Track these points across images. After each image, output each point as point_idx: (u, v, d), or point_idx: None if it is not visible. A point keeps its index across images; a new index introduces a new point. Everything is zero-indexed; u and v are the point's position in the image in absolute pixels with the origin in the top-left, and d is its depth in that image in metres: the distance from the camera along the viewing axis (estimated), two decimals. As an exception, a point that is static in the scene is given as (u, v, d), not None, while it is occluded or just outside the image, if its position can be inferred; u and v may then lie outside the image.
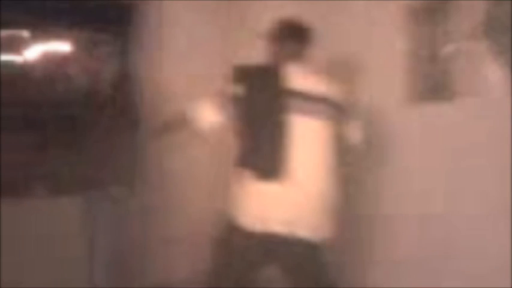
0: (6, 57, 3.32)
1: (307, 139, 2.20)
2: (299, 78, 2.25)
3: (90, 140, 3.17)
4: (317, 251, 2.25)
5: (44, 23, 3.42)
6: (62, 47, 3.57)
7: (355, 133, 2.39)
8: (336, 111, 2.28)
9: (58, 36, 3.53)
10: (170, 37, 3.71)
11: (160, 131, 2.73)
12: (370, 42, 2.94)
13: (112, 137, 3.11)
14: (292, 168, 2.15)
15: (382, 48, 2.89)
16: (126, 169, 3.13)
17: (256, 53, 2.48)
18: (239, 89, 2.21)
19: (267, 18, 2.49)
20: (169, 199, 3.62)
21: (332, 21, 3.07)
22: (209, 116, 2.30)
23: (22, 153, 3.23)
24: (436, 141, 2.67)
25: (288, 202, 2.17)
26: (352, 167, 2.59)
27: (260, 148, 2.17)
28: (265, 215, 2.16)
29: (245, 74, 2.26)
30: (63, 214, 3.20)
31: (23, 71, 3.37)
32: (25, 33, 3.40)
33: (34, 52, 3.44)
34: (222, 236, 2.29)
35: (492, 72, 2.45)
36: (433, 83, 2.68)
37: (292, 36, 2.40)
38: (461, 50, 2.58)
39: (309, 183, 2.19)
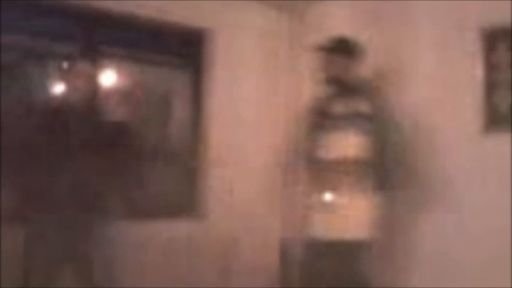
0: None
1: None
2: None
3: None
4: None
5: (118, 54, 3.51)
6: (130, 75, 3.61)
7: None
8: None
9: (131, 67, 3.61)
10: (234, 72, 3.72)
11: None
12: (443, 68, 2.88)
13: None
14: None
15: (455, 73, 2.81)
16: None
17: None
18: None
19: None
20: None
21: (403, 46, 3.09)
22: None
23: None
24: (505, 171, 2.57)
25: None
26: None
27: None
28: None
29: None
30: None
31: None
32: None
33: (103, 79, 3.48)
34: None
35: None
36: (507, 112, 2.56)
37: (342, 51, 2.65)
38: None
39: None
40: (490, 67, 2.63)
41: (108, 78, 3.48)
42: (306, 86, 3.74)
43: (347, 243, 2.43)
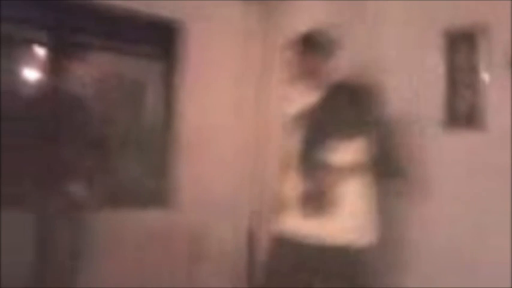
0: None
1: None
2: None
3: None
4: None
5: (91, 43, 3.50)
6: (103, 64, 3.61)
7: None
8: None
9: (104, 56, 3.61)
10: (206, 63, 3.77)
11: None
12: (410, 67, 2.98)
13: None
14: None
15: (418, 72, 2.92)
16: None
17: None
18: None
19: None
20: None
21: (367, 43, 3.15)
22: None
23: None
24: (463, 167, 2.71)
25: None
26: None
27: None
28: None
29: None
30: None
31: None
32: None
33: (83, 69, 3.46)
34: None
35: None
36: (466, 110, 2.71)
37: (315, 49, 2.45)
38: (494, 78, 2.62)
39: None
40: (453, 67, 2.77)
41: (80, 66, 3.46)
42: (278, 79, 3.83)
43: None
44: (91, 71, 3.50)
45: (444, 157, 2.80)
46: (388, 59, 3.07)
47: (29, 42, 3.27)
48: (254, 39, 3.92)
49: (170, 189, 3.63)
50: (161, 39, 3.72)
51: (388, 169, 2.35)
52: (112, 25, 3.53)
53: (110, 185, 3.47)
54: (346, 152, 2.30)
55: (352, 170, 2.31)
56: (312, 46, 2.45)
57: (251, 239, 3.84)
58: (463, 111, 2.72)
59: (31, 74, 3.29)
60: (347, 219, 2.28)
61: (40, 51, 3.29)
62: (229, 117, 3.84)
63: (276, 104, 3.82)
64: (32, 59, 3.23)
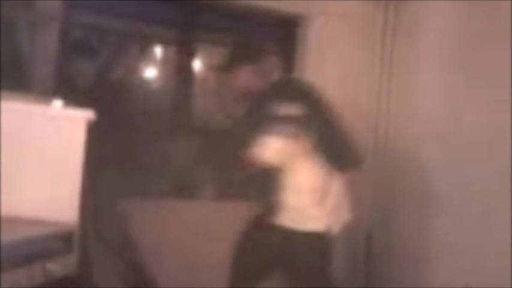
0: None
1: None
2: None
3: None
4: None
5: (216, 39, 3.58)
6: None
7: None
8: None
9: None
10: (326, 59, 3.66)
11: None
12: None
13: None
14: None
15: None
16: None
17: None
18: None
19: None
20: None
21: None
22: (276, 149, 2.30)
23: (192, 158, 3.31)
24: None
25: None
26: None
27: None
28: None
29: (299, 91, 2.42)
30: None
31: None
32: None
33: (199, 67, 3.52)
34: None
35: None
36: None
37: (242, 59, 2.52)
38: None
39: None
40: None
41: (203, 63, 3.57)
42: (398, 73, 3.69)
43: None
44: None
45: None
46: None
47: (159, 40, 3.40)
48: (376, 33, 3.75)
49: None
50: (283, 35, 3.69)
51: (338, 159, 2.38)
52: (235, 22, 3.56)
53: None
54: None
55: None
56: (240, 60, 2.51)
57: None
58: None
59: (159, 72, 3.39)
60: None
61: (169, 50, 3.35)
62: (350, 113, 3.68)
63: (398, 100, 3.69)
64: (161, 57, 3.33)
